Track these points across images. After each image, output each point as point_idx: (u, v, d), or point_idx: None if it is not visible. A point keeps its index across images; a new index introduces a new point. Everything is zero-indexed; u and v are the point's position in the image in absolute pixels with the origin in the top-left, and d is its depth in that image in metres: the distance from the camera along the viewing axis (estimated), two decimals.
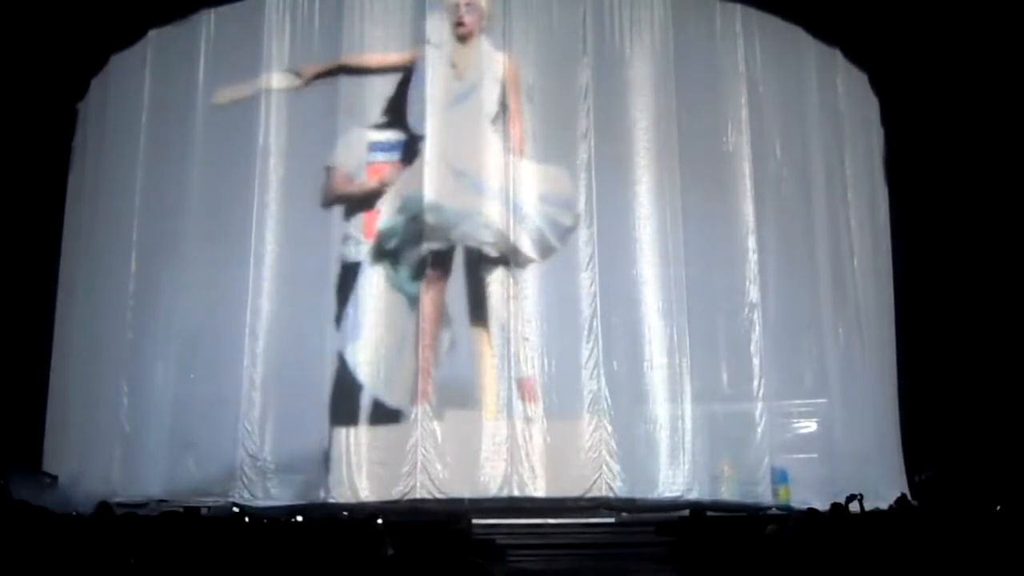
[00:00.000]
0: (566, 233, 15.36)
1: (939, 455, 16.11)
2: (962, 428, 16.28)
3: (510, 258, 15.15)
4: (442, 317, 15.12)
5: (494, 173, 15.35)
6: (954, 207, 17.24)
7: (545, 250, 15.32)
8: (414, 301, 15.09)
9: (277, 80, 15.80)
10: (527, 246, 15.25)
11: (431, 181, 15.22)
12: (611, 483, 14.48)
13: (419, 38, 15.66)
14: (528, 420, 14.61)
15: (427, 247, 15.16)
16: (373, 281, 15.27)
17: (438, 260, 15.20)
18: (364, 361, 15.00)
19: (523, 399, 14.70)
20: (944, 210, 17.27)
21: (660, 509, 14.15)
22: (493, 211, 15.25)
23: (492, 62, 15.69)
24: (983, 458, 15.34)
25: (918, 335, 17.14)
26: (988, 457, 15.36)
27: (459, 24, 15.69)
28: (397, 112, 15.58)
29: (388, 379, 14.99)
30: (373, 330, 15.12)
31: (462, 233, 15.24)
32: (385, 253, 15.31)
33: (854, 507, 11.24)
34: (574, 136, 15.44)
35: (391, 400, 14.93)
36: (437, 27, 15.70)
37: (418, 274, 15.14)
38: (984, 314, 16.98)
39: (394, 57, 15.78)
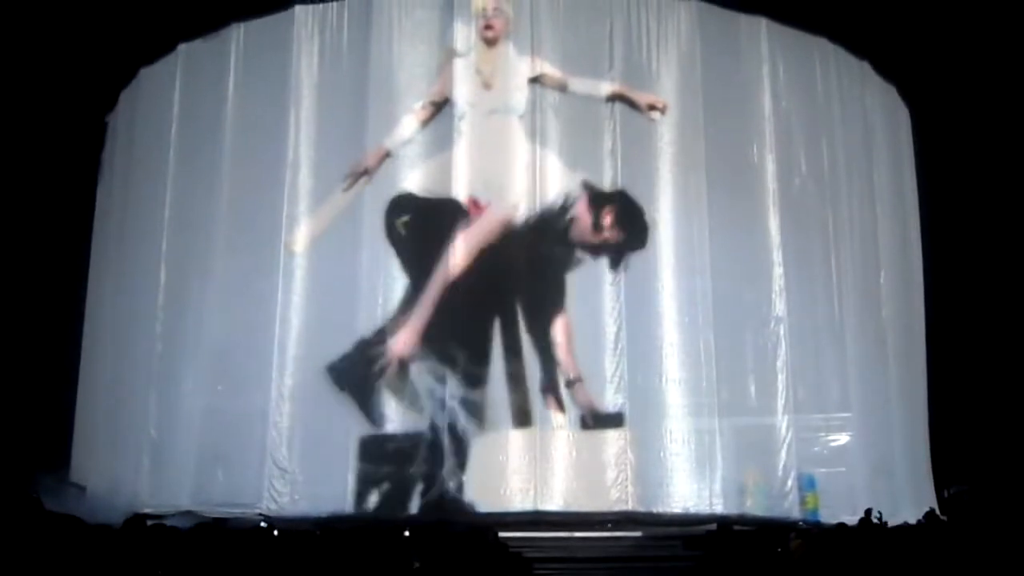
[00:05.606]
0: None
1: (969, 469, 16.01)
2: (992, 442, 16.18)
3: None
4: None
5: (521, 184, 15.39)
6: (987, 219, 17.14)
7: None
8: None
9: None
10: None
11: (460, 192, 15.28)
12: (636, 496, 14.42)
13: (448, 48, 15.65)
14: (559, 427, 14.60)
15: None
16: None
17: None
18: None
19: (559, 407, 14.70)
20: (976, 222, 17.18)
21: (686, 523, 14.10)
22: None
23: (519, 64, 15.67)
24: (1014, 472, 15.23)
25: (948, 348, 17.04)
26: (1019, 471, 15.25)
27: (487, 28, 15.72)
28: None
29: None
30: None
31: None
32: None
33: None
34: (600, 151, 15.43)
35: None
36: (464, 34, 15.72)
37: None
38: (1015, 327, 16.87)
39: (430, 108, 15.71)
